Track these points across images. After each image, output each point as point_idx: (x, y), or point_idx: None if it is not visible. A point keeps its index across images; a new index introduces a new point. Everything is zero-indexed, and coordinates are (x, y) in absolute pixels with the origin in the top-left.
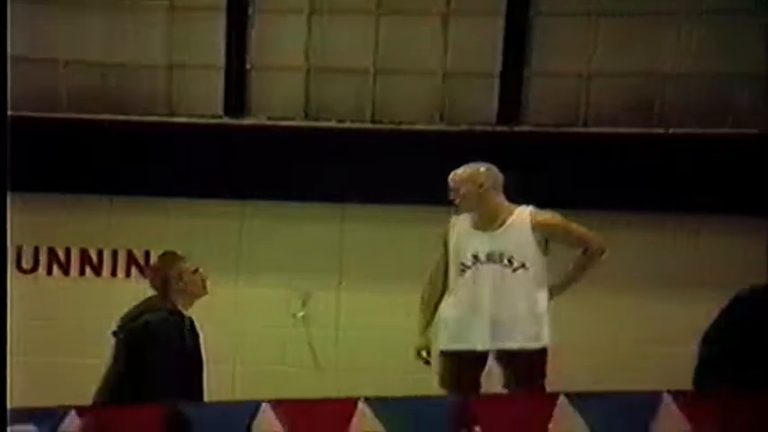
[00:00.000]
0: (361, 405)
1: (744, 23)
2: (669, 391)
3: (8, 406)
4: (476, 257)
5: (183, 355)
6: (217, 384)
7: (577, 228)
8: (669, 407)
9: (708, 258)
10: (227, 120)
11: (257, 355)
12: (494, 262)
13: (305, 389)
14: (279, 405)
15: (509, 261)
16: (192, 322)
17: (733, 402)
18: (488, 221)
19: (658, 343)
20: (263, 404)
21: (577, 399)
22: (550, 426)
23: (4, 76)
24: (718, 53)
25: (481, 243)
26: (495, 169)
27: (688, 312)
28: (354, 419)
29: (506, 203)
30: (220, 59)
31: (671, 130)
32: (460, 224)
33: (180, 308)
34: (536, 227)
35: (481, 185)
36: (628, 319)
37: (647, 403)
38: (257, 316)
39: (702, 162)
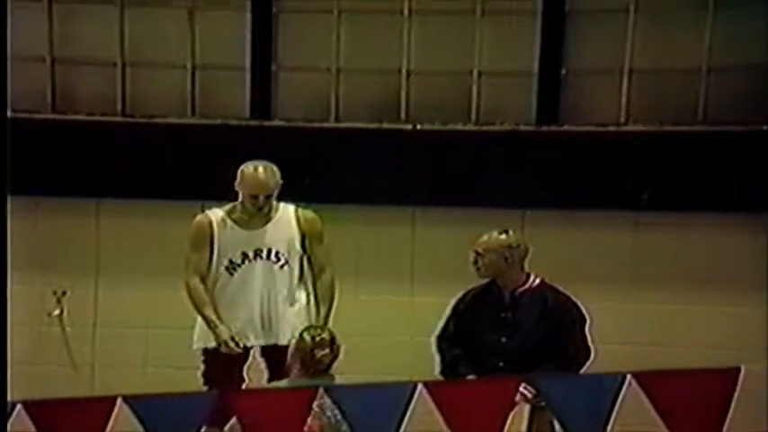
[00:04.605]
0: (119, 402)
1: None
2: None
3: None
4: (245, 255)
5: None
6: None
7: (326, 246)
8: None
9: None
10: None
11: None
12: (261, 258)
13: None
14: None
15: (276, 257)
16: None
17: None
18: (255, 218)
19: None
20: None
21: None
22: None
23: (4, 76)
24: None
25: (248, 241)
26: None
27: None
28: (113, 417)
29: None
30: None
31: (417, 126)
32: (220, 221)
33: None
34: (302, 224)
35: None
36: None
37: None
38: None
39: None
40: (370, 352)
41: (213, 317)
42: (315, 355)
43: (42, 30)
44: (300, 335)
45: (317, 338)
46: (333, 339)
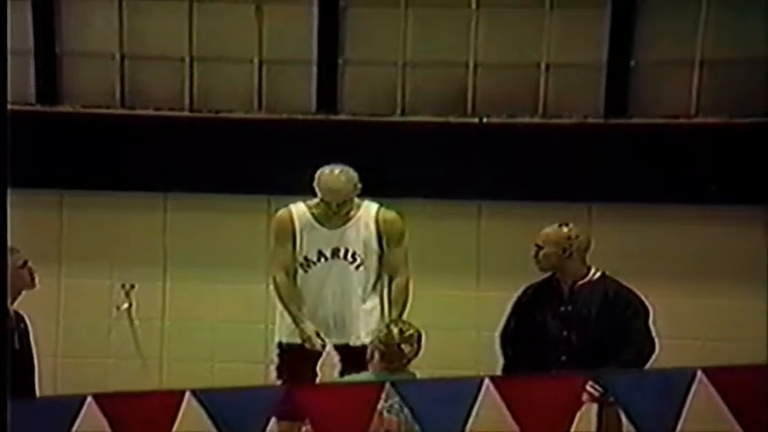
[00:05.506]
0: (188, 396)
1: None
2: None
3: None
4: (321, 253)
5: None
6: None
7: (405, 248)
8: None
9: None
10: (39, 107)
11: (80, 347)
12: (338, 258)
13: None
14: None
15: (353, 257)
16: (21, 317)
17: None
18: (335, 216)
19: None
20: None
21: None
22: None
23: (5, 74)
24: None
25: (326, 240)
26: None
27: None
28: (181, 411)
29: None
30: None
31: (484, 120)
32: (302, 216)
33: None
34: (381, 225)
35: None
36: None
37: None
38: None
39: None
40: (435, 347)
41: (299, 313)
42: (403, 350)
43: (112, 26)
44: (387, 327)
45: (406, 333)
46: (419, 336)
